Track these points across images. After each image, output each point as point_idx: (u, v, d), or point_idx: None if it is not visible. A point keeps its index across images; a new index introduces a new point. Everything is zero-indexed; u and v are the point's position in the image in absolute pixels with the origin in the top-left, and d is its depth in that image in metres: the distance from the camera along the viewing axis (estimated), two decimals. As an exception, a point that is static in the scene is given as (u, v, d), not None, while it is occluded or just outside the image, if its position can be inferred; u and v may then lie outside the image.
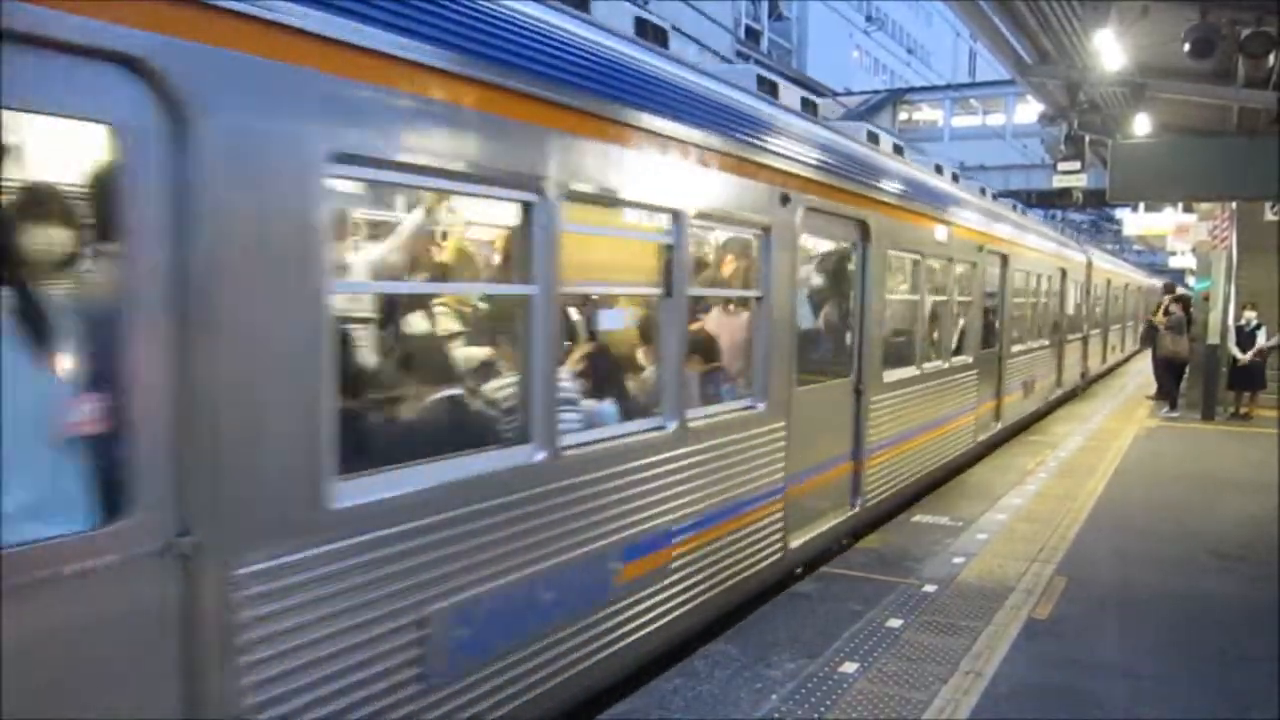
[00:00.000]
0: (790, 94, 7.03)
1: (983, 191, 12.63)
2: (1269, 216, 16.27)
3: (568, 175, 4.14)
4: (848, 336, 7.76)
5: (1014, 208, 15.05)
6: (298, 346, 3.04)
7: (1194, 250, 20.77)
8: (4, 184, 2.61)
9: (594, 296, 5.41)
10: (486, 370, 4.51)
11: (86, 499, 2.63)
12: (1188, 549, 7.83)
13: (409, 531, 3.45)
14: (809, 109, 7.27)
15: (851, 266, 7.76)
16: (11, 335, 2.56)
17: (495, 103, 3.74)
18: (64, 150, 2.74)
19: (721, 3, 36.32)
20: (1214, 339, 16.33)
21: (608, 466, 4.57)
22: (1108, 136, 15.70)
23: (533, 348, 4.10)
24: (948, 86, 39.44)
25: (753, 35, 45.97)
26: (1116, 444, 13.21)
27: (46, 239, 2.64)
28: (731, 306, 6.44)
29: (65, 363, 2.70)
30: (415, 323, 4.39)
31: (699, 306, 6.18)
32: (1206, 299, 17.09)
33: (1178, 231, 23.40)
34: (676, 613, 5.17)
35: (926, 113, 42.31)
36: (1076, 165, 15.62)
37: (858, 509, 7.79)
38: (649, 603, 4.93)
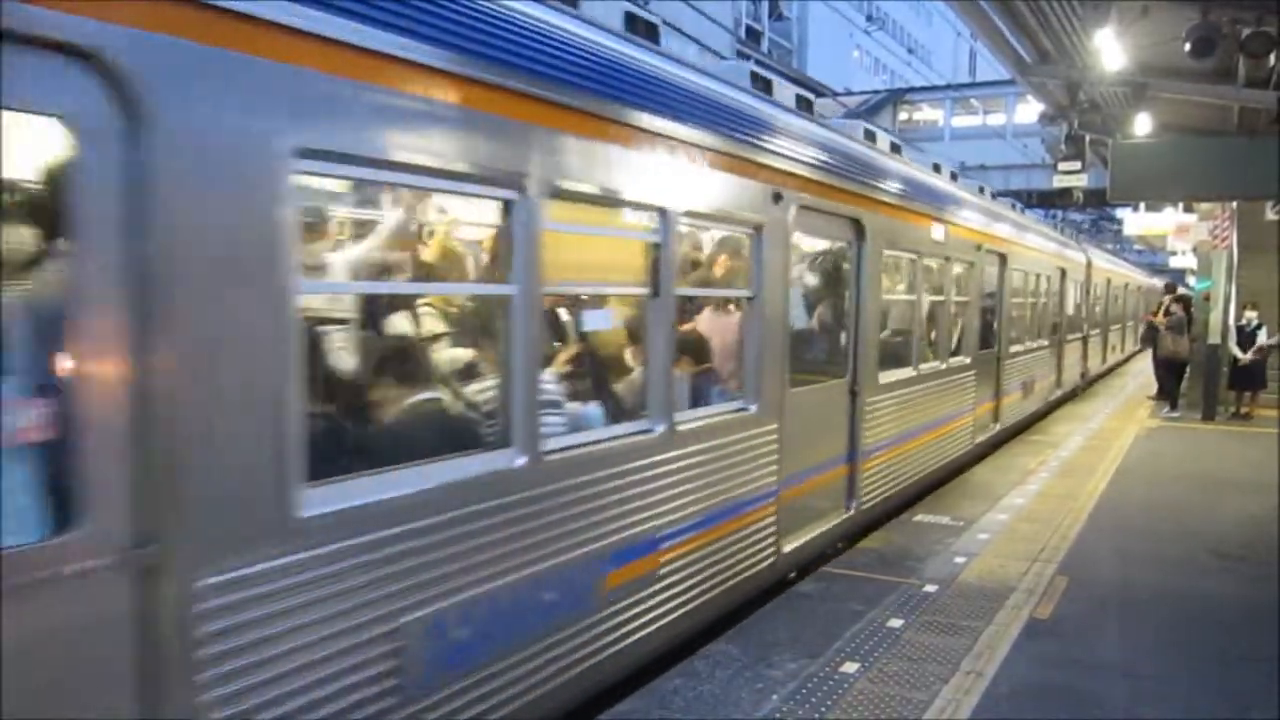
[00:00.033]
0: (785, 91, 6.95)
1: (981, 190, 12.56)
2: (1269, 216, 16.26)
3: (549, 172, 4.05)
4: (843, 337, 7.66)
5: (1013, 207, 14.99)
6: (262, 348, 2.94)
7: (1195, 250, 20.77)
8: None
9: (584, 297, 5.29)
10: (466, 372, 4.40)
11: (36, 509, 2.51)
12: (1188, 549, 7.81)
13: (382, 540, 3.35)
14: (804, 106, 7.19)
15: (846, 266, 7.67)
16: None
17: (472, 97, 3.64)
18: (12, 145, 2.57)
19: (722, 3, 36.32)
20: (1215, 339, 16.32)
21: (592, 471, 4.46)
22: (1108, 136, 15.71)
23: (513, 349, 4.01)
24: (948, 86, 39.43)
25: (753, 35, 45.98)
26: (1117, 444, 13.20)
27: None
28: (726, 306, 6.34)
29: (12, 366, 2.56)
30: (393, 324, 4.28)
31: (691, 307, 6.10)
32: (1207, 299, 17.08)
33: (1178, 231, 23.40)
34: (664, 620, 5.07)
35: (927, 112, 42.29)
36: (1077, 165, 15.62)
37: (853, 512, 7.69)
38: (636, 610, 4.82)
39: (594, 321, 5.39)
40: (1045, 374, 15.79)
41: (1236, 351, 15.82)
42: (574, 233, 4.54)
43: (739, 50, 36.77)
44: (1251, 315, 15.96)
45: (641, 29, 5.33)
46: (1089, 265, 20.33)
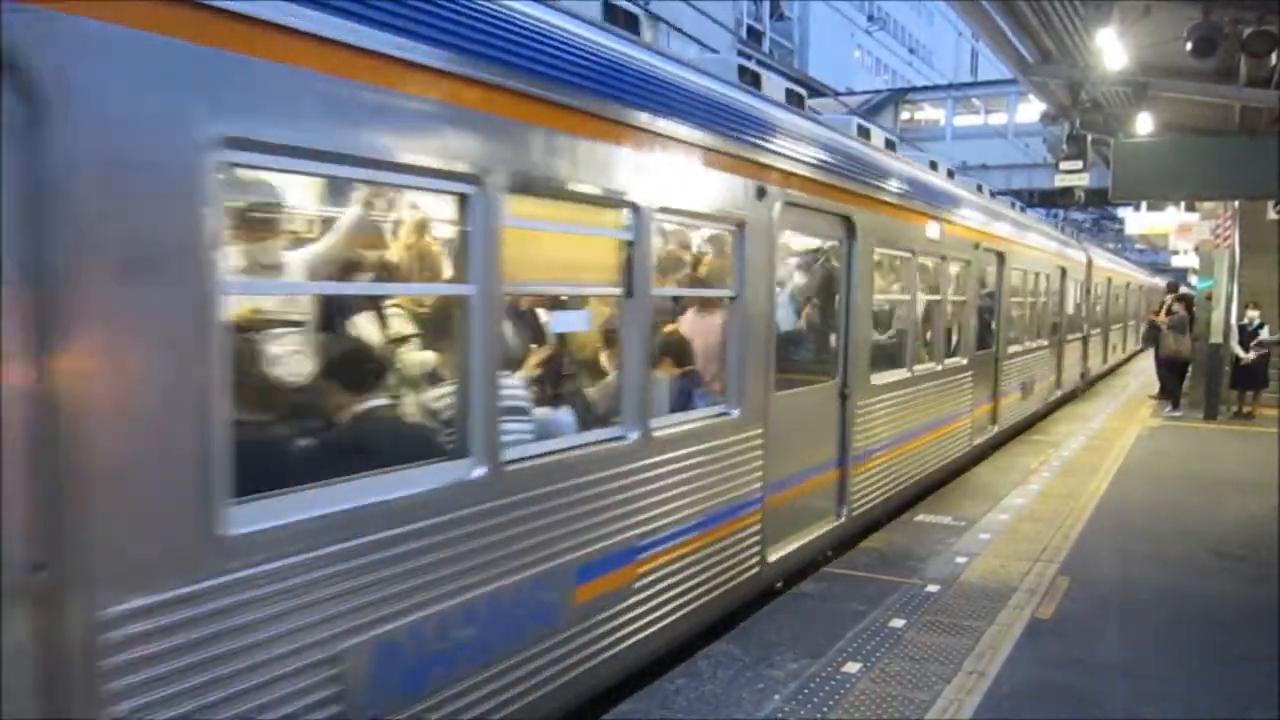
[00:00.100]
0: (774, 86, 6.76)
1: (980, 189, 12.46)
2: (1271, 215, 16.26)
3: (509, 165, 3.85)
4: (832, 338, 7.47)
5: (1012, 205, 14.92)
6: (181, 354, 2.72)
7: (1197, 249, 20.75)
8: None
9: (553, 297, 5.07)
10: (420, 378, 4.19)
11: None
12: (1189, 549, 7.82)
13: (320, 559, 3.12)
14: (794, 101, 6.99)
15: (836, 265, 7.47)
16: None
17: (423, 85, 3.43)
18: None
19: (723, 2, 36.31)
20: (1217, 338, 16.32)
21: (559, 481, 4.25)
22: (1110, 136, 15.69)
23: (470, 353, 3.79)
24: (950, 86, 39.35)
25: (754, 35, 45.96)
26: (1119, 443, 13.20)
27: None
28: (709, 307, 6.11)
29: None
30: (341, 327, 4.04)
31: (676, 307, 5.95)
32: (1209, 298, 17.07)
33: (1180, 230, 23.42)
34: (642, 634, 4.89)
35: (929, 112, 42.24)
36: (1079, 164, 15.59)
37: (844, 518, 7.49)
38: (609, 625, 4.63)
39: (565, 323, 5.18)
40: (1044, 374, 15.71)
41: (1239, 351, 15.82)
42: (538, 230, 4.35)
43: (740, 50, 36.77)
44: (1253, 315, 15.96)
45: (621, 20, 5.12)
46: (1089, 264, 20.28)
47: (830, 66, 49.14)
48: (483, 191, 3.72)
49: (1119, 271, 27.24)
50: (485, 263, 3.77)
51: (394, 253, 4.26)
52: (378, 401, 3.93)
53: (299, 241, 3.96)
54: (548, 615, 4.21)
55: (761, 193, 5.88)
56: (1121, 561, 7.44)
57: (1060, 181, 16.42)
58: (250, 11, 2.81)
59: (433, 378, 4.18)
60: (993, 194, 13.40)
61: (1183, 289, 20.07)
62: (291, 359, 3.75)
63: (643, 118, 4.71)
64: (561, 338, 5.12)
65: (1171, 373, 17.19)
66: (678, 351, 5.77)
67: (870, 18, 51.40)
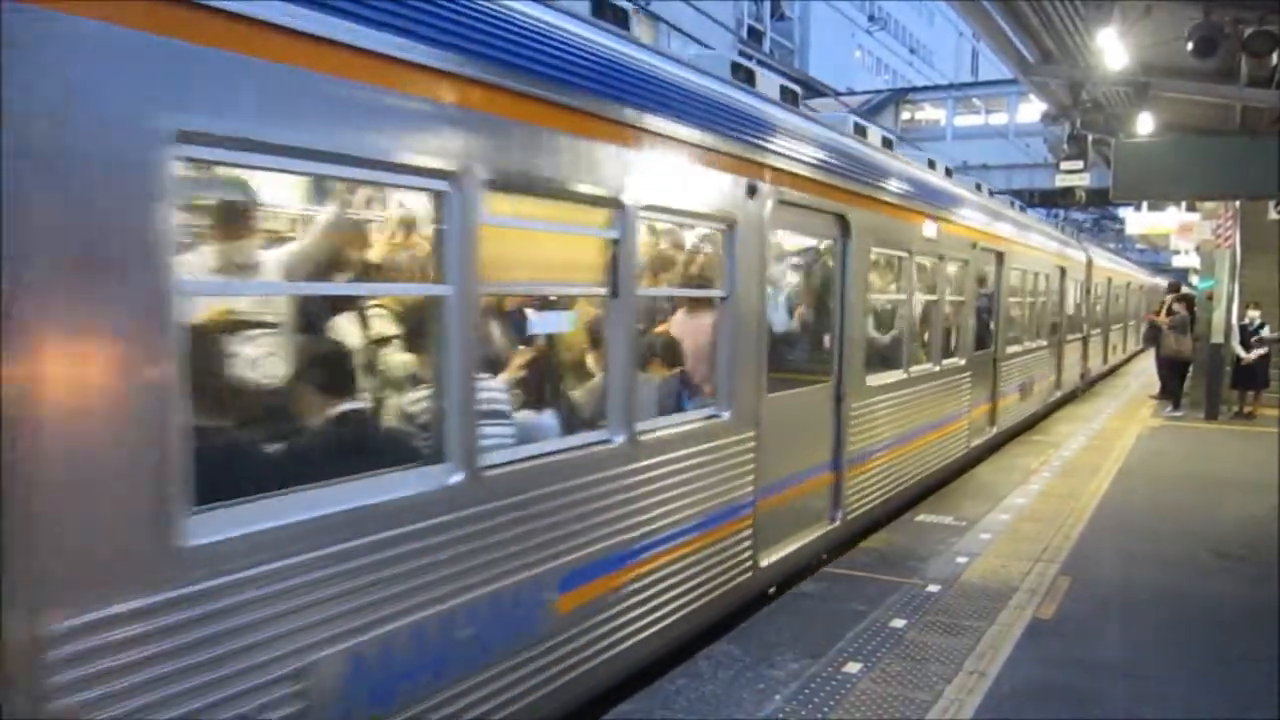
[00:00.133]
0: (768, 83, 6.65)
1: (978, 187, 12.39)
2: (1272, 215, 16.26)
3: (488, 162, 3.72)
4: (827, 339, 7.35)
5: (1011, 205, 14.88)
6: (136, 357, 2.60)
7: (1197, 249, 20.76)
8: None
9: (534, 297, 4.90)
10: (395, 381, 4.04)
11: None
12: (1190, 549, 7.82)
13: (286, 570, 2.99)
14: (789, 99, 6.85)
15: (831, 264, 7.36)
16: None
17: (396, 78, 3.32)
18: None
19: (724, 3, 36.34)
20: (1218, 338, 16.33)
21: (541, 486, 4.14)
22: (1111, 135, 15.71)
23: (447, 356, 3.67)
24: (950, 86, 39.39)
25: (755, 35, 45.96)
26: (1120, 443, 13.20)
27: None
28: (700, 307, 5.93)
29: None
30: (313, 328, 3.87)
31: (669, 307, 5.85)
32: (1210, 298, 17.08)
33: (1181, 230, 23.42)
34: (629, 643, 4.76)
35: (929, 112, 42.27)
36: (1079, 164, 15.60)
37: (838, 522, 7.36)
38: (595, 634, 4.51)
39: (546, 324, 5.02)
40: (1044, 375, 15.66)
41: (1240, 351, 15.82)
42: (518, 228, 4.25)
43: (740, 50, 36.80)
44: (1254, 314, 15.97)
45: (609, 14, 5.00)
46: (1089, 264, 20.24)
47: (831, 66, 49.13)
48: (459, 189, 3.61)
49: (1119, 271, 27.22)
50: (462, 262, 3.66)
51: (367, 252, 4.09)
52: (350, 405, 3.78)
53: (266, 241, 3.79)
54: (528, 625, 4.08)
55: (753, 190, 5.77)
56: (1122, 562, 7.44)
57: (1061, 181, 16.44)
58: (218, 3, 2.72)
59: (408, 380, 4.05)
60: (991, 193, 13.34)
61: (1184, 289, 20.08)
62: (262, 361, 3.59)
63: (628, 113, 4.61)
64: (546, 339, 5.00)
65: (1172, 373, 17.20)
66: (667, 353, 5.68)
67: (871, 18, 51.42)
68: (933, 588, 6.59)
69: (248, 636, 2.89)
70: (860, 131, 8.31)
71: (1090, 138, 15.66)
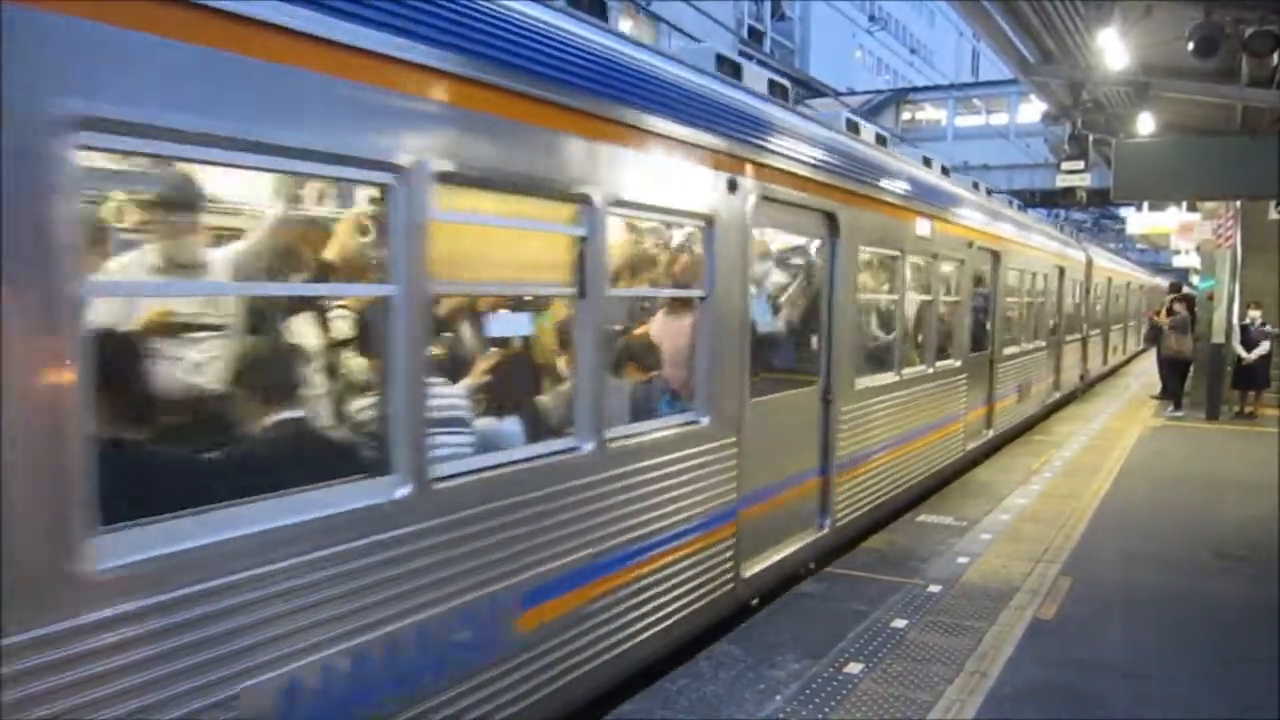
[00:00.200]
0: (756, 76, 6.46)
1: (976, 186, 12.27)
2: (1273, 215, 16.27)
3: (440, 154, 3.52)
4: (814, 340, 7.14)
5: (1010, 204, 14.81)
6: (26, 366, 2.39)
7: (1198, 249, 20.77)
8: None
9: (515, 298, 4.72)
10: (338, 387, 3.82)
11: None
12: (1191, 549, 7.82)
13: (208, 593, 2.78)
14: (778, 93, 6.65)
15: (819, 263, 7.14)
16: None
17: (331, 62, 3.10)
18: None
19: (724, 2, 36.34)
20: (1219, 338, 16.33)
21: (501, 498, 3.91)
22: (1111, 136, 15.72)
23: (393, 360, 3.44)
24: (951, 86, 39.38)
25: (755, 35, 45.97)
26: (1121, 444, 13.20)
27: None
28: (680, 308, 5.71)
29: None
30: (255, 330, 3.65)
31: (646, 309, 5.71)
32: (1211, 298, 17.09)
33: (1181, 230, 23.43)
34: (599, 660, 4.56)
35: (930, 112, 42.26)
36: (1080, 164, 15.61)
37: (827, 530, 7.16)
38: (562, 652, 4.30)
39: (511, 326, 4.78)
40: (1042, 377, 15.55)
41: (1240, 351, 15.82)
42: (475, 224, 4.04)
43: (741, 50, 36.83)
44: (1255, 314, 15.97)
45: (586, 4, 4.81)
46: (1089, 264, 20.17)
47: (831, 66, 49.11)
48: (405, 182, 3.40)
49: (1119, 271, 27.16)
50: (410, 260, 3.43)
51: (305, 251, 3.85)
52: (288, 414, 3.53)
53: (194, 239, 3.51)
54: (486, 645, 3.88)
55: (733, 186, 5.55)
56: (1123, 562, 7.44)
57: (1062, 182, 16.44)
58: None
59: (352, 387, 3.83)
60: (989, 192, 13.24)
61: (1184, 289, 20.08)
62: (192, 367, 3.38)
63: (597, 104, 4.40)
64: (510, 342, 4.79)
65: (1173, 373, 17.21)
66: (644, 356, 5.46)
67: (871, 18, 51.38)
68: (934, 588, 6.59)
69: (165, 665, 2.69)
70: (853, 128, 8.16)
71: (1091, 138, 15.67)
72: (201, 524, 2.82)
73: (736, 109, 5.76)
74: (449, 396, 4.00)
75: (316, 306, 3.83)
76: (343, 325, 3.90)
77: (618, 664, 4.74)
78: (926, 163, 10.15)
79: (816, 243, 7.11)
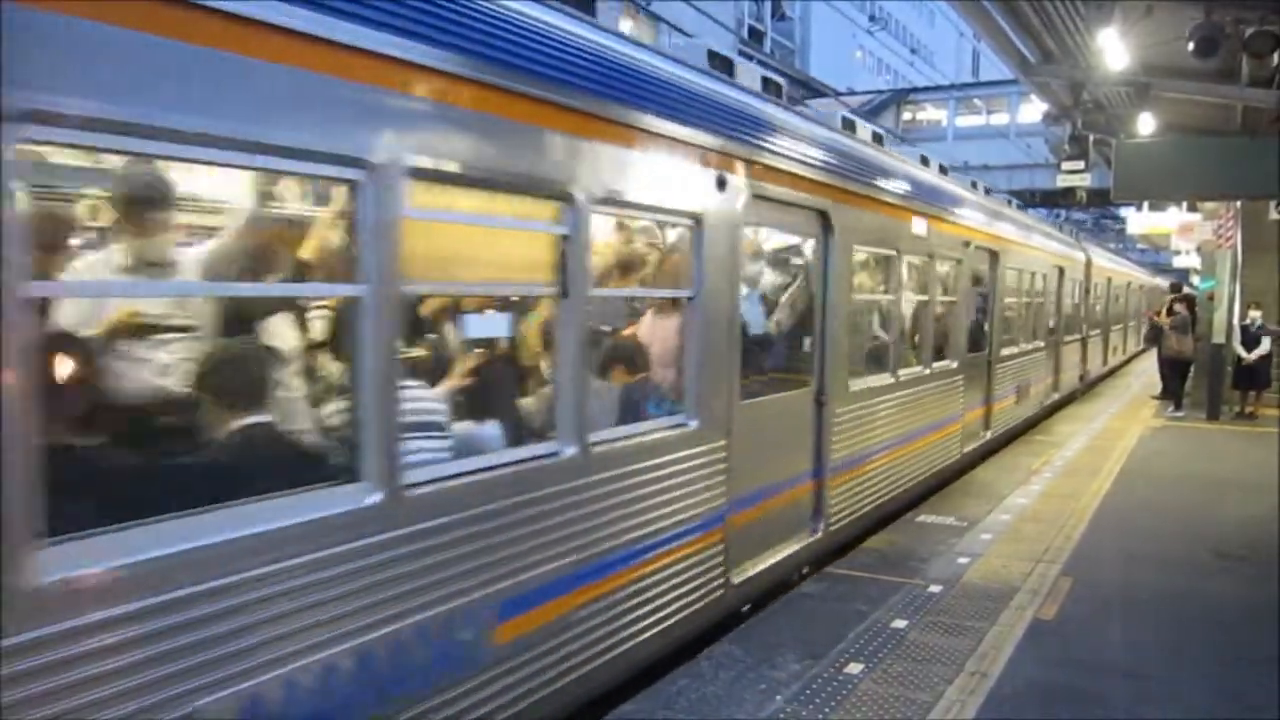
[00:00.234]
0: (749, 73, 6.35)
1: (974, 185, 12.20)
2: (1273, 215, 16.27)
3: (413, 149, 3.42)
4: (807, 342, 7.02)
5: (1008, 203, 14.75)
6: None
7: (1198, 249, 20.77)
8: None
9: (496, 299, 4.59)
10: (305, 392, 3.70)
11: None
12: (1191, 549, 7.82)
13: (165, 606, 2.67)
14: (772, 90, 6.52)
15: (813, 263, 7.04)
16: None
17: (293, 54, 2.98)
18: None
19: (724, 3, 36.35)
20: (1219, 338, 16.33)
21: (477, 505, 3.79)
22: (1112, 136, 15.74)
23: (361, 361, 3.32)
24: (951, 86, 39.45)
25: (756, 35, 45.99)
26: (1121, 444, 13.20)
27: None
28: (669, 309, 5.58)
29: None
30: (218, 331, 3.53)
31: (634, 309, 5.62)
32: (1211, 298, 17.09)
33: (1181, 230, 23.43)
34: (583, 670, 4.44)
35: (930, 112, 42.29)
36: (1080, 165, 15.63)
37: (820, 534, 7.03)
38: (540, 664, 4.17)
39: (490, 328, 4.64)
40: (1041, 377, 15.47)
41: (1241, 351, 15.82)
42: (450, 222, 3.93)
43: (741, 50, 36.83)
44: (1255, 315, 15.98)
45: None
46: (1089, 264, 20.11)
47: (832, 67, 49.12)
48: (375, 178, 3.28)
49: (1119, 271, 27.12)
50: (380, 259, 3.31)
51: (270, 250, 3.73)
52: (251, 419, 3.38)
53: (153, 236, 3.39)
54: (460, 658, 3.74)
55: (722, 183, 5.44)
56: (1123, 562, 7.43)
57: (1062, 182, 16.47)
58: None
59: (319, 391, 3.71)
60: (988, 191, 13.18)
61: (1185, 289, 20.08)
62: (151, 370, 3.27)
63: (580, 99, 4.28)
64: (489, 344, 4.65)
65: (1174, 373, 17.22)
66: (630, 357, 5.33)
67: (871, 18, 51.38)
68: (934, 588, 6.59)
69: (119, 682, 2.57)
70: (849, 126, 8.04)
71: (1091, 138, 15.70)
72: (152, 535, 2.69)
73: (726, 105, 5.66)
74: (424, 400, 3.90)
75: (280, 308, 3.70)
76: (310, 326, 3.79)
77: (602, 675, 4.63)
78: (924, 162, 10.09)
79: (810, 242, 7.01)
